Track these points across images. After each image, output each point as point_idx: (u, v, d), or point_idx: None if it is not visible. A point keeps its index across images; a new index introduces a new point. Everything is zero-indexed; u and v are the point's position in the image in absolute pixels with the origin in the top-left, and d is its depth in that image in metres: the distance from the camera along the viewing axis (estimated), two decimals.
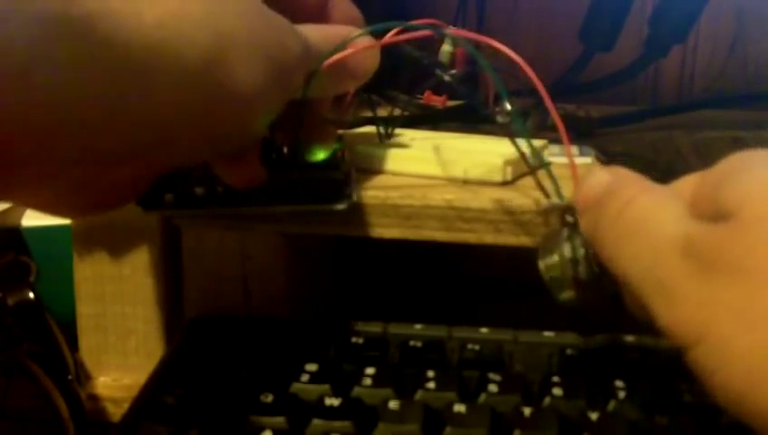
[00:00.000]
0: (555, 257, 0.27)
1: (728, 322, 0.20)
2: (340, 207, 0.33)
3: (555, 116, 0.30)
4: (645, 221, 0.24)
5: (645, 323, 0.25)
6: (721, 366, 0.20)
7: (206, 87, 0.24)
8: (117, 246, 0.40)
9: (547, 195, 0.31)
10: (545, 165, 0.31)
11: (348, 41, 0.31)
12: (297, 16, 0.31)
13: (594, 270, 0.27)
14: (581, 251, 0.27)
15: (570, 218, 0.28)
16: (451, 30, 0.34)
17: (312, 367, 0.32)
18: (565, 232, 0.27)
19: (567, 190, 0.29)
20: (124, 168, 0.25)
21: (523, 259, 0.30)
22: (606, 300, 0.27)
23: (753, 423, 0.19)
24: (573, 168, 0.29)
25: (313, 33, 0.30)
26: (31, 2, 0.19)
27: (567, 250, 0.27)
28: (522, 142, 0.32)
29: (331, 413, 0.29)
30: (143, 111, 0.23)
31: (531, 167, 0.31)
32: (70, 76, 0.20)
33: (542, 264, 0.28)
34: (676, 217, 0.23)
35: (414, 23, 0.34)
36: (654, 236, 0.23)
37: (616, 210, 0.25)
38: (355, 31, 0.32)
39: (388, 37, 0.33)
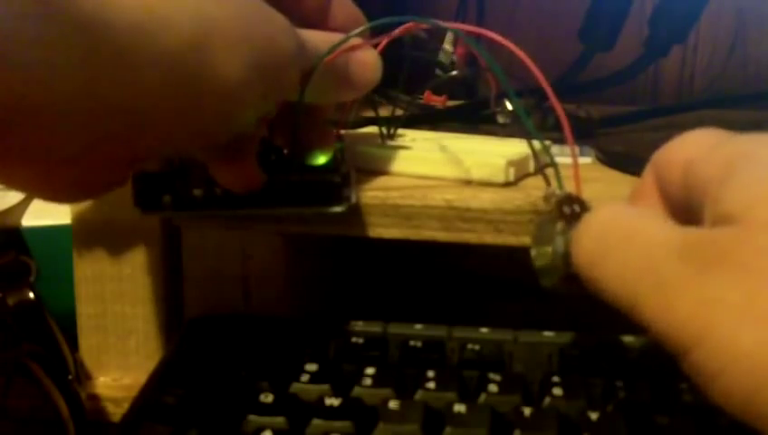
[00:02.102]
0: (548, 249, 0.27)
1: (732, 320, 0.19)
2: (338, 209, 0.33)
3: (560, 112, 0.30)
4: (630, 232, 0.23)
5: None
6: (725, 367, 0.19)
7: (186, 72, 0.24)
8: (117, 245, 0.40)
9: (549, 185, 0.30)
10: (553, 164, 0.31)
11: (342, 40, 0.31)
12: (299, 18, 0.31)
13: None
14: None
15: (567, 210, 0.28)
16: (453, 25, 0.34)
17: (311, 367, 0.32)
18: (560, 225, 0.27)
19: (569, 189, 0.29)
20: (103, 149, 0.24)
21: (522, 259, 0.30)
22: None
23: (761, 426, 0.19)
24: (576, 165, 0.29)
25: (315, 38, 0.30)
26: None
27: (560, 243, 0.27)
28: (530, 140, 0.31)
29: (331, 413, 0.29)
30: (119, 92, 0.22)
31: (540, 165, 0.31)
32: (45, 54, 0.20)
33: (533, 252, 0.28)
34: (662, 223, 0.22)
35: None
36: (643, 242, 0.22)
37: (598, 226, 0.24)
38: (356, 37, 0.32)
39: (386, 41, 0.33)
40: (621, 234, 0.23)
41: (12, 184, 0.26)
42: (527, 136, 0.31)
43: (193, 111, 0.25)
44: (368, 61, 0.32)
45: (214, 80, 0.25)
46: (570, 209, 0.27)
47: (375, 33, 0.33)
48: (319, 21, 0.33)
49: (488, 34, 0.31)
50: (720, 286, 0.20)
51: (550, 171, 0.30)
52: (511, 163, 0.37)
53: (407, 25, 0.33)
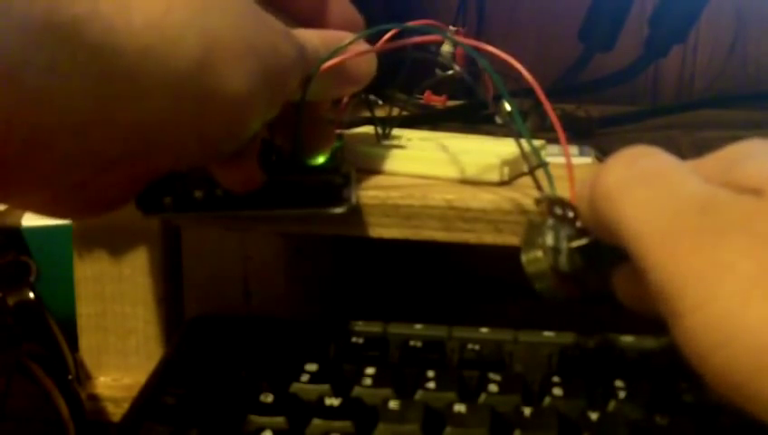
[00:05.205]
0: (538, 247, 0.27)
1: (741, 290, 0.18)
2: (339, 210, 0.33)
3: (553, 118, 0.30)
4: (663, 173, 0.22)
5: (638, 313, 0.25)
6: (727, 341, 0.18)
7: (195, 90, 0.24)
8: (117, 246, 0.40)
9: (542, 190, 0.31)
10: (543, 164, 0.31)
11: (344, 45, 0.31)
12: (295, 19, 0.31)
13: (576, 263, 0.27)
14: (565, 243, 0.27)
15: (558, 211, 0.28)
16: (450, 35, 0.34)
17: (311, 367, 0.32)
18: (550, 222, 0.27)
19: (563, 190, 0.29)
20: (117, 170, 0.25)
21: None
22: (588, 295, 0.27)
23: (752, 409, 0.18)
24: (570, 168, 0.29)
25: (312, 37, 0.30)
26: (16, 5, 0.19)
27: (550, 239, 0.27)
28: (521, 141, 0.32)
29: (331, 413, 0.29)
30: (132, 114, 0.23)
31: (530, 166, 0.31)
32: (57, 80, 0.20)
33: (524, 257, 0.28)
34: (695, 178, 0.22)
35: (413, 23, 0.34)
36: (673, 188, 0.21)
37: (630, 158, 0.24)
38: (353, 35, 0.32)
39: (386, 41, 0.33)
40: (652, 171, 0.23)
41: (23, 206, 0.26)
42: (518, 136, 0.31)
43: (203, 126, 0.25)
44: (363, 54, 0.32)
45: (222, 93, 0.25)
46: (561, 211, 0.27)
47: (372, 38, 0.33)
48: (315, 20, 0.33)
49: (485, 48, 0.31)
50: (735, 251, 0.19)
51: (540, 172, 0.31)
52: (505, 162, 0.37)
53: (415, 38, 0.33)
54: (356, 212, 0.35)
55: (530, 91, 0.31)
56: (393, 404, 0.30)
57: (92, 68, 0.21)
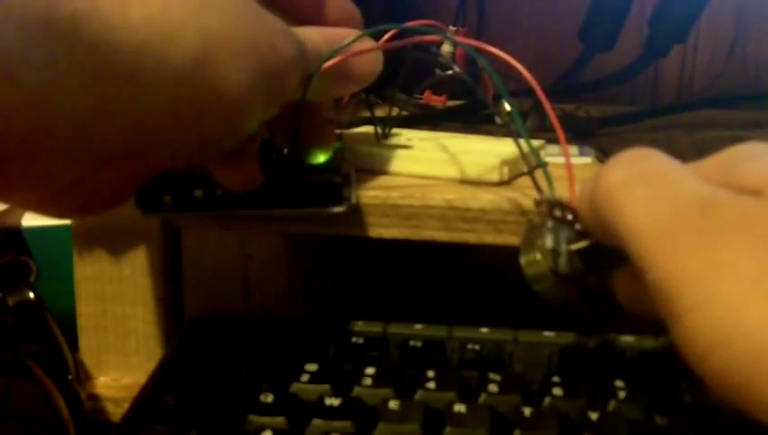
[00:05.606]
0: (537, 249, 0.27)
1: (741, 290, 0.18)
2: (339, 210, 0.33)
3: (553, 119, 0.30)
4: (663, 173, 0.22)
5: (638, 315, 0.25)
6: (727, 341, 0.18)
7: (193, 87, 0.24)
8: (117, 246, 0.40)
9: (541, 192, 0.31)
10: (542, 165, 0.31)
11: (347, 43, 0.31)
12: (294, 15, 0.31)
13: (575, 265, 0.27)
14: (564, 246, 0.27)
15: (557, 213, 0.28)
16: (450, 35, 0.35)
17: (311, 367, 0.32)
18: (550, 224, 0.27)
19: (562, 190, 0.29)
20: (115, 167, 0.25)
21: None
22: (588, 297, 0.27)
23: (754, 410, 0.18)
24: (569, 168, 0.29)
25: (314, 35, 0.30)
26: (14, 1, 0.19)
27: (549, 241, 0.27)
28: (520, 142, 0.32)
29: (331, 413, 0.29)
30: (130, 111, 0.23)
31: (529, 166, 0.31)
32: (55, 76, 0.20)
33: (523, 260, 0.28)
34: (695, 178, 0.22)
35: (413, 23, 0.34)
36: (673, 188, 0.21)
37: (631, 158, 0.24)
38: (356, 33, 0.32)
39: (386, 41, 0.33)
40: (653, 171, 0.23)
41: (22, 204, 0.26)
42: (516, 137, 0.31)
43: (201, 124, 0.25)
44: (367, 52, 0.32)
45: (220, 91, 0.25)
46: (561, 213, 0.28)
47: (372, 38, 0.33)
48: (314, 17, 0.33)
49: (486, 48, 0.31)
50: (735, 251, 0.19)
51: (540, 172, 0.31)
52: (505, 162, 0.37)
53: (418, 37, 0.33)
54: (356, 212, 0.35)
55: (530, 91, 0.31)
56: (393, 404, 0.30)
57: (90, 64, 0.21)
